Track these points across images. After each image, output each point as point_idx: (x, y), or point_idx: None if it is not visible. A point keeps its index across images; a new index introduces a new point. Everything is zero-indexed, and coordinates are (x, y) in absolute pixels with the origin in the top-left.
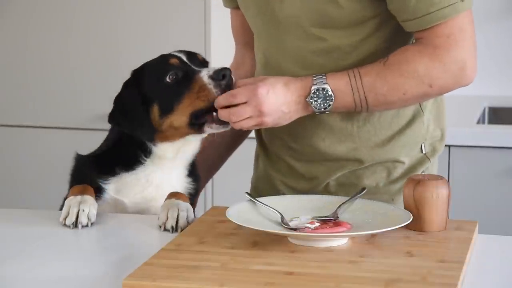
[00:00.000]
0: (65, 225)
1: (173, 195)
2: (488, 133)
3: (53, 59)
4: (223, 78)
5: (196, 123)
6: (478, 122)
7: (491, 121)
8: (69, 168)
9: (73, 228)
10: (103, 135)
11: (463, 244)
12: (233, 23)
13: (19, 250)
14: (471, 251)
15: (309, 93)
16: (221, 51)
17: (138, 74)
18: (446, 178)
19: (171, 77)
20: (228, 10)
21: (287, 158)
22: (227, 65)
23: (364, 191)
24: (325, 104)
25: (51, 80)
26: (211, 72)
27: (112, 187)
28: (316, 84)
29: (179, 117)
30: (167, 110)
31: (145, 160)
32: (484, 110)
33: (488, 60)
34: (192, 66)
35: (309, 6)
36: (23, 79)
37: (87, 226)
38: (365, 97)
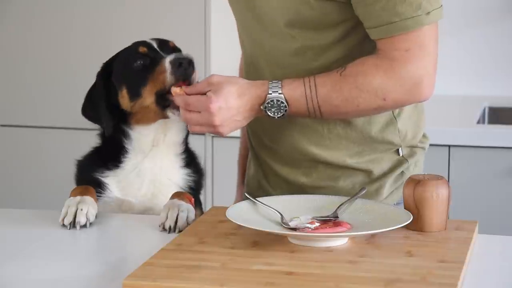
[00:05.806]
0: (63, 225)
1: (177, 195)
2: (488, 133)
3: (53, 59)
4: (179, 65)
5: (162, 104)
6: (478, 122)
7: (491, 121)
8: (69, 168)
9: (70, 228)
10: None
11: (463, 244)
12: None
13: (19, 250)
14: (471, 251)
15: (264, 102)
16: (221, 51)
17: (109, 65)
18: (446, 178)
19: (138, 63)
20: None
21: (267, 159)
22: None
23: (364, 191)
24: (279, 113)
25: (51, 80)
26: (172, 58)
27: (112, 183)
28: (271, 93)
29: (147, 98)
30: (135, 93)
31: (129, 147)
32: (484, 110)
33: (488, 60)
34: (160, 53)
35: (285, 5)
36: (23, 79)
37: (85, 226)
38: (319, 107)
